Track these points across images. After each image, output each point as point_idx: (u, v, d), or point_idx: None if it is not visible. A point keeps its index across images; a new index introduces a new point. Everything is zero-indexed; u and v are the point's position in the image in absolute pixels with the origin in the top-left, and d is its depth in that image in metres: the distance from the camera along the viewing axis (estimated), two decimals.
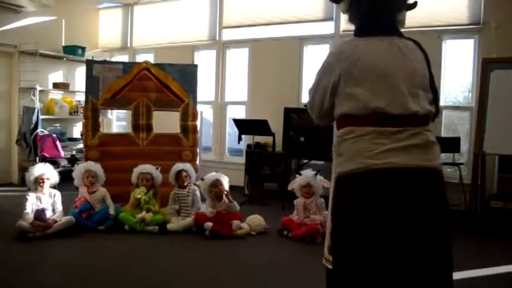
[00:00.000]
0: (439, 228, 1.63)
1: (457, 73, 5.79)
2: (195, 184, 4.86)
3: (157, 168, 4.79)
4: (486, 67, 4.94)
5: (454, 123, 5.91)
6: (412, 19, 5.67)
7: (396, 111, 1.60)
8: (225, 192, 4.58)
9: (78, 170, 4.73)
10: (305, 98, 6.46)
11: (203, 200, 4.79)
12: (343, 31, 6.16)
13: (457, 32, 5.55)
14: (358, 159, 1.61)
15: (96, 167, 4.73)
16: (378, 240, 1.57)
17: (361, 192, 1.59)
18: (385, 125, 1.60)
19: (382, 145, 1.59)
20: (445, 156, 5.42)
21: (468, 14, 5.47)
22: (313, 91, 1.80)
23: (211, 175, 4.68)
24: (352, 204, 1.61)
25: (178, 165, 4.85)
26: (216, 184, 4.58)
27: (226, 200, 4.55)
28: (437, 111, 1.74)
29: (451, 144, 5.20)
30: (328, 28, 6.36)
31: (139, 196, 4.55)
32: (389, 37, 1.69)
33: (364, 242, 1.58)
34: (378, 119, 1.61)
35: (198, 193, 4.79)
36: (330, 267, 1.71)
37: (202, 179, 4.69)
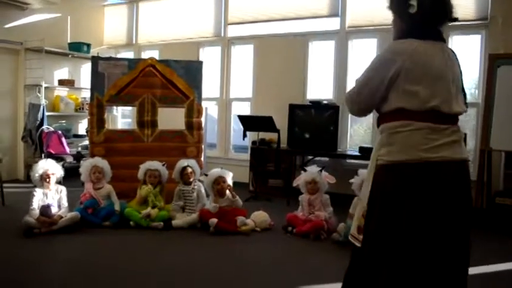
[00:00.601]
0: (468, 213, 1.90)
1: (464, 69, 5.73)
2: (199, 180, 4.87)
3: (163, 165, 4.80)
4: (493, 63, 4.91)
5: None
6: None
7: (446, 110, 1.83)
8: (229, 187, 4.59)
9: (85, 165, 4.74)
10: (310, 95, 6.45)
11: (208, 195, 4.79)
12: (348, 27, 6.13)
13: (464, 27, 5.49)
14: (412, 151, 1.80)
15: (103, 163, 4.74)
16: (425, 224, 1.77)
17: (416, 181, 1.78)
18: (438, 122, 1.82)
19: (435, 140, 1.80)
20: None
21: (475, 9, 5.42)
22: (364, 83, 1.92)
23: (215, 171, 4.68)
24: (406, 190, 1.79)
25: (183, 162, 4.86)
26: (219, 181, 4.58)
27: (230, 195, 4.55)
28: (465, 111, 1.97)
29: None
30: (333, 24, 6.33)
31: (146, 195, 4.56)
32: (440, 43, 1.91)
33: (415, 224, 1.77)
34: (433, 116, 1.81)
35: (203, 189, 4.80)
36: (358, 245, 1.93)
37: (206, 175, 4.69)
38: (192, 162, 4.89)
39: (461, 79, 1.98)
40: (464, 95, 1.98)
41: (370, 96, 1.90)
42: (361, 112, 2.03)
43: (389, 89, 1.85)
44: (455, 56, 1.99)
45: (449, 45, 5.53)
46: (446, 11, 1.93)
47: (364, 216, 1.93)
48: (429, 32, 1.89)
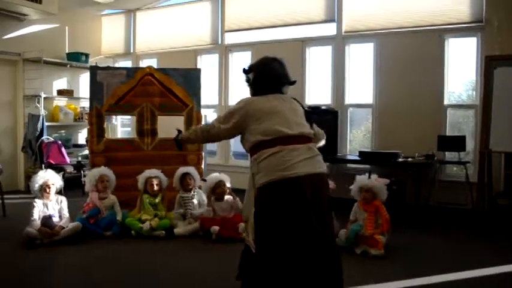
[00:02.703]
0: (329, 218, 2.37)
1: (461, 71, 5.77)
2: (198, 187, 4.88)
3: (161, 172, 4.82)
4: (489, 65, 4.93)
5: (459, 122, 5.89)
6: (413, 19, 5.70)
7: (289, 132, 2.36)
8: (228, 190, 4.64)
9: (92, 175, 4.75)
10: (309, 100, 6.47)
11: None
12: (345, 32, 6.16)
13: (459, 30, 5.53)
14: (273, 172, 2.29)
15: (109, 172, 4.77)
16: (289, 226, 2.25)
17: (279, 195, 2.27)
18: (285, 144, 2.33)
19: (289, 161, 2.29)
20: (450, 155, 5.42)
21: (470, 11, 5.45)
22: (220, 123, 2.61)
23: (214, 175, 4.73)
24: (273, 203, 2.28)
25: (182, 169, 4.87)
26: (220, 184, 4.64)
27: (230, 198, 4.58)
28: (314, 133, 2.58)
29: (456, 143, 5.18)
30: (330, 29, 6.36)
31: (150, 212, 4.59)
32: (276, 94, 2.56)
33: (281, 228, 2.26)
34: (280, 140, 2.35)
35: (204, 196, 4.81)
36: (254, 251, 2.36)
37: (205, 180, 4.72)
38: (191, 169, 4.90)
39: (304, 112, 2.60)
40: (311, 122, 2.59)
41: (227, 133, 2.62)
42: (204, 141, 3.03)
43: (244, 131, 2.48)
44: (293, 99, 2.63)
45: (445, 48, 5.64)
46: (272, 83, 2.60)
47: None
48: (264, 90, 2.57)
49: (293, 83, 2.64)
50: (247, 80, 2.69)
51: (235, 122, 2.50)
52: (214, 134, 2.64)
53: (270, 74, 2.61)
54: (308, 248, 2.23)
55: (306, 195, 2.26)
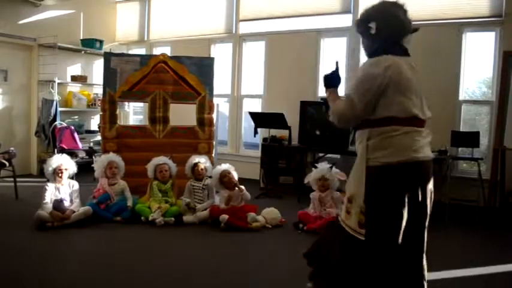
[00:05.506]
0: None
1: (478, 67, 5.68)
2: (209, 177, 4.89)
3: (169, 158, 4.83)
4: (508, 60, 4.85)
5: (473, 118, 5.81)
6: (432, 12, 5.60)
7: (421, 116, 2.14)
8: (235, 182, 4.64)
9: (101, 161, 4.79)
10: (321, 91, 6.42)
11: (217, 192, 4.81)
12: None
13: (478, 24, 5.43)
14: (405, 152, 2.08)
15: (118, 158, 4.80)
16: (416, 214, 2.13)
17: (411, 178, 2.09)
18: (418, 126, 2.13)
19: (419, 142, 2.11)
20: (462, 151, 5.35)
21: (489, 5, 5.34)
22: (362, 96, 2.11)
23: (219, 167, 4.75)
24: (404, 187, 2.08)
25: (195, 158, 4.88)
26: (225, 173, 4.66)
27: (237, 189, 4.60)
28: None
29: (470, 139, 5.11)
30: (345, 21, 6.29)
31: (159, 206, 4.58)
32: (404, 57, 2.19)
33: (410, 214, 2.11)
34: (415, 122, 2.12)
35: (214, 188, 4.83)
36: (362, 238, 2.10)
37: (210, 177, 4.74)
38: (204, 159, 4.91)
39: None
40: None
41: (367, 107, 2.12)
42: (355, 122, 2.22)
43: (378, 100, 2.10)
44: (415, 67, 2.24)
45: (463, 42, 5.54)
46: (402, 27, 2.21)
47: (363, 213, 2.12)
48: (393, 48, 2.17)
49: (416, 30, 2.28)
50: (363, 32, 2.27)
51: (375, 90, 2.10)
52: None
53: (399, 24, 2.21)
54: (416, 236, 2.17)
55: (429, 180, 2.18)
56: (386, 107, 2.10)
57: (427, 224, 2.21)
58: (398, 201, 2.07)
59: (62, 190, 4.41)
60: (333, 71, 2.40)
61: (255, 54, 7.14)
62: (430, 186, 2.20)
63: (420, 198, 2.13)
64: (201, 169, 4.81)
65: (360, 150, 2.19)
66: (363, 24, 2.25)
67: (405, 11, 2.22)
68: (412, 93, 2.13)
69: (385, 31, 2.19)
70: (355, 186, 2.19)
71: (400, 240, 2.09)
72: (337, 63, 2.43)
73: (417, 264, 2.20)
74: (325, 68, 6.49)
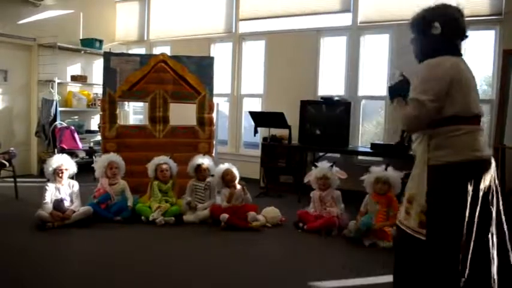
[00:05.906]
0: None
1: (477, 65, 5.67)
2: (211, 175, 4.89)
3: (169, 158, 4.84)
4: (507, 59, 4.85)
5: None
6: None
7: (481, 114, 2.20)
8: (243, 186, 4.64)
9: (101, 161, 4.80)
10: (321, 91, 6.42)
11: (219, 192, 4.81)
12: (360, 23, 6.08)
13: (477, 23, 5.42)
14: (467, 151, 2.10)
15: (118, 158, 4.80)
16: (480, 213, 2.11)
17: (473, 177, 2.09)
18: (478, 124, 2.17)
19: (480, 141, 2.14)
20: None
21: (489, 4, 5.33)
22: (434, 98, 2.11)
23: (221, 166, 4.76)
24: (466, 186, 2.07)
25: (198, 159, 4.87)
26: (227, 172, 4.67)
27: (242, 191, 4.60)
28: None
29: None
30: (345, 20, 6.28)
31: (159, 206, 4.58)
32: (460, 57, 2.27)
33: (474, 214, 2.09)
34: (476, 120, 2.16)
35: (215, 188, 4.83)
36: (424, 238, 2.12)
37: (212, 175, 4.76)
38: (207, 160, 4.92)
39: None
40: None
41: (437, 107, 2.12)
42: (427, 124, 2.17)
43: (445, 99, 2.12)
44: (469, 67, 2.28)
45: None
46: (462, 30, 2.30)
47: (424, 213, 2.13)
48: (453, 49, 2.25)
49: (467, 36, 2.36)
50: (424, 31, 2.30)
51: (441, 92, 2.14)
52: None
53: (461, 27, 2.31)
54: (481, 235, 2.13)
55: (491, 178, 2.16)
56: (450, 106, 2.13)
57: (493, 221, 2.17)
58: (461, 200, 2.08)
59: (62, 190, 4.41)
60: (400, 81, 2.42)
61: (254, 53, 7.14)
62: (494, 184, 2.18)
63: (482, 197, 2.12)
64: (204, 170, 4.81)
65: (419, 150, 2.22)
66: (425, 23, 2.28)
67: (464, 17, 2.32)
68: (472, 92, 2.18)
69: (449, 32, 2.26)
70: (415, 186, 2.23)
71: (463, 239, 2.07)
72: (402, 72, 2.44)
73: (482, 264, 2.14)
74: (325, 67, 6.49)
